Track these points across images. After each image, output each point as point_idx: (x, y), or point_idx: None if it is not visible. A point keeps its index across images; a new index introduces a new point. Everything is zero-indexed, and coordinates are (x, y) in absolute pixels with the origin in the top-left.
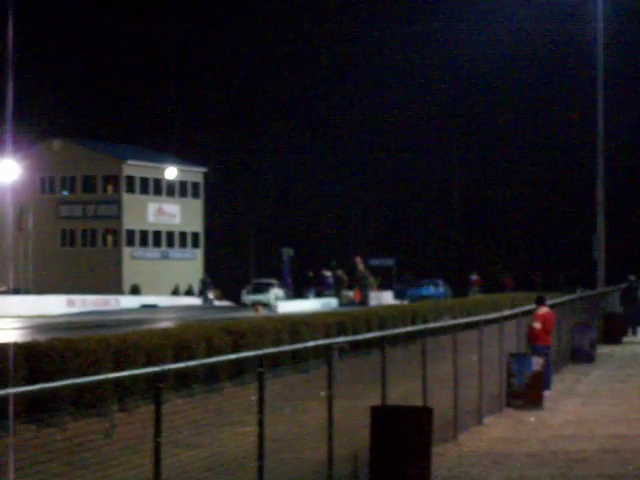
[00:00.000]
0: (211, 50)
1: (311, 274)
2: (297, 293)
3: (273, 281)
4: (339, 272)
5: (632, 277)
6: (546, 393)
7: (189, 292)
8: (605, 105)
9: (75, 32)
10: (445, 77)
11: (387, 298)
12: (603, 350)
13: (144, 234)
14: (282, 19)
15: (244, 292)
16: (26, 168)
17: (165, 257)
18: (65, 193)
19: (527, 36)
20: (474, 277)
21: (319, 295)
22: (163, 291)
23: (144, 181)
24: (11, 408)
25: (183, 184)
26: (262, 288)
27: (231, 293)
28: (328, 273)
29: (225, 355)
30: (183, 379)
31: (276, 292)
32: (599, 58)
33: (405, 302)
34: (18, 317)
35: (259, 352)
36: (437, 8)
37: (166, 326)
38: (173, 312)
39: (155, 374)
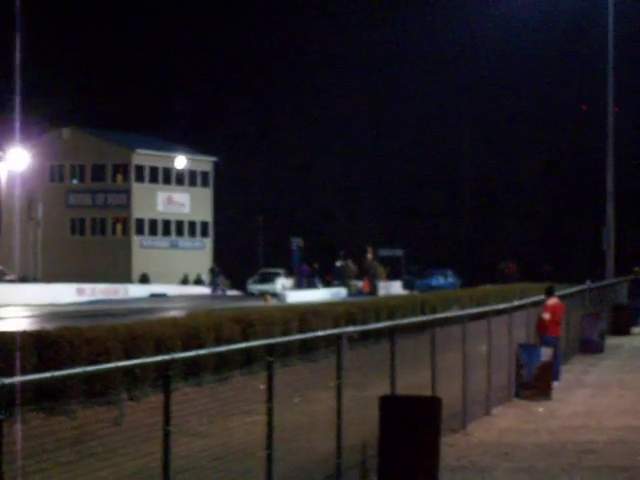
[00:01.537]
0: (221, 39)
1: (316, 265)
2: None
3: (280, 271)
4: (348, 262)
5: (637, 269)
6: (555, 384)
7: (198, 281)
8: (615, 96)
9: (85, 21)
10: (456, 67)
11: (396, 288)
12: (612, 341)
13: (153, 223)
14: (291, 9)
15: (250, 281)
16: (35, 157)
17: (174, 246)
18: (74, 182)
19: (538, 27)
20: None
21: (328, 285)
22: (172, 280)
23: (153, 170)
24: (20, 396)
25: (192, 173)
26: (268, 278)
27: (240, 282)
28: (339, 263)
29: (234, 344)
30: (192, 368)
31: (283, 282)
32: (610, 49)
33: (415, 292)
34: (28, 306)
35: (268, 341)
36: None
37: (175, 315)
38: (182, 301)
39: (164, 363)
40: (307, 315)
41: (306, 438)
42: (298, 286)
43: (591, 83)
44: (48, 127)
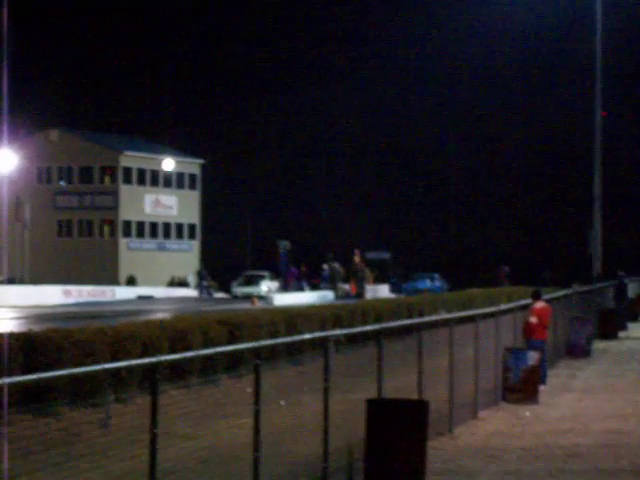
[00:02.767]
0: (209, 41)
1: (303, 268)
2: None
3: (265, 273)
4: (335, 265)
5: (621, 273)
6: (542, 388)
7: (182, 283)
8: (603, 100)
9: (73, 23)
10: (444, 72)
11: (383, 291)
12: (599, 345)
13: (141, 225)
14: (281, 11)
15: (235, 284)
16: (23, 158)
17: (162, 248)
18: (62, 183)
19: (526, 29)
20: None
21: (315, 288)
22: (159, 282)
23: (141, 172)
24: (6, 397)
25: (180, 175)
26: (253, 280)
27: (227, 285)
28: (326, 266)
29: (221, 347)
30: (179, 370)
31: (268, 284)
32: (598, 50)
33: (401, 296)
34: (15, 307)
35: (255, 344)
36: (436, 2)
37: (162, 317)
38: (169, 303)
39: (151, 365)
40: (294, 318)
41: (293, 441)
42: (285, 289)
43: (579, 87)
44: (36, 129)
